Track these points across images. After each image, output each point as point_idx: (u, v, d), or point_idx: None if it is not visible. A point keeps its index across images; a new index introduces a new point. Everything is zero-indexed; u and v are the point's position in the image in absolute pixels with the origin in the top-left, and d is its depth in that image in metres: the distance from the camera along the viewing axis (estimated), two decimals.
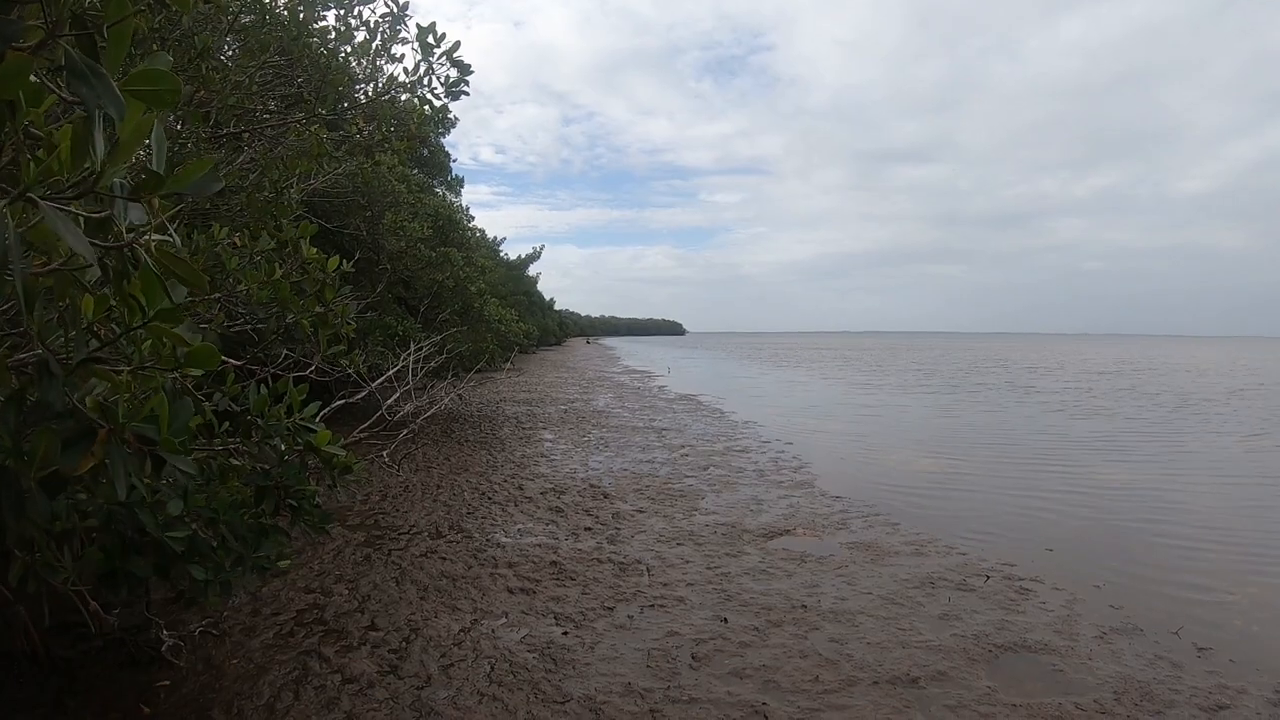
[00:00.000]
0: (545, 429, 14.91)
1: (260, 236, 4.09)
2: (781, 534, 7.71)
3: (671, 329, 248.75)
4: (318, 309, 3.98)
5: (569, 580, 6.03)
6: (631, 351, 69.77)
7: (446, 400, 8.72)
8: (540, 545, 6.97)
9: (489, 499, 8.77)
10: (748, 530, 7.73)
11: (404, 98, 6.54)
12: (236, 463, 3.33)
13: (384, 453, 7.76)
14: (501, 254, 46.39)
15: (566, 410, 18.35)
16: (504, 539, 7.19)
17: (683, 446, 13.06)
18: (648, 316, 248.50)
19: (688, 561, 6.62)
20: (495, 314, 15.64)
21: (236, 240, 4.12)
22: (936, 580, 6.29)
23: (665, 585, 5.98)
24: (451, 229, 14.29)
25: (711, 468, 11.17)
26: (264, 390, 3.17)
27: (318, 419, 3.41)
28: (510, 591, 5.75)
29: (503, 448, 12.46)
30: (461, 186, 23.64)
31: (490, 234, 45.22)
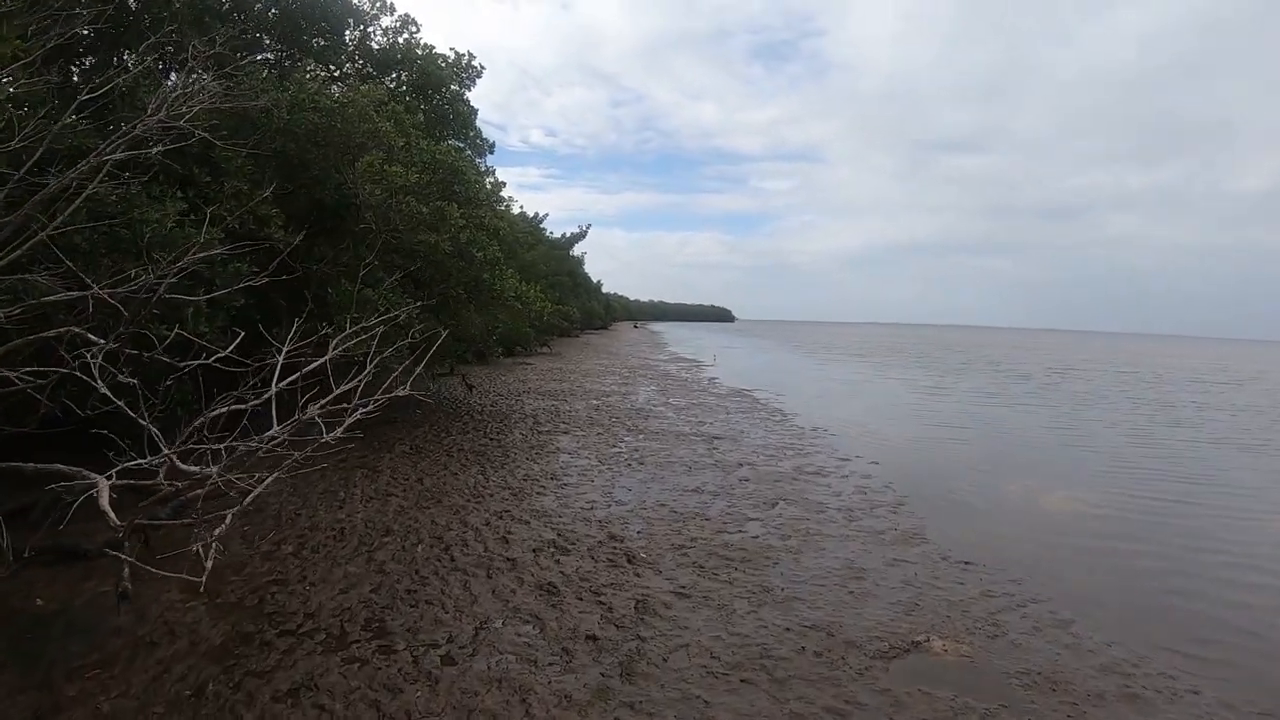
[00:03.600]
0: (567, 434, 11.94)
1: None
2: (908, 650, 4.65)
3: (720, 315, 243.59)
4: None
5: None
6: (680, 338, 66.58)
7: (329, 437, 5.55)
8: (500, 680, 3.98)
9: (451, 561, 5.81)
10: (854, 643, 4.67)
11: None
12: None
13: (206, 530, 4.83)
14: (545, 232, 43.75)
15: (599, 407, 15.38)
16: (441, 662, 4.23)
17: (740, 465, 9.99)
18: (696, 302, 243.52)
19: None
20: (512, 289, 12.73)
21: None
22: None
23: None
24: (456, 181, 11.39)
25: (780, 502, 8.11)
26: None
27: None
28: None
29: (504, 462, 9.54)
30: (491, 150, 20.66)
31: (536, 213, 42.65)
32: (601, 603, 5.04)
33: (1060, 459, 12.06)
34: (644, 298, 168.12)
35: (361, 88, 9.91)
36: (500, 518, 6.96)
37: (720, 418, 14.72)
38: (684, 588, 5.40)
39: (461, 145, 19.28)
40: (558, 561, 5.80)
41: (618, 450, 10.64)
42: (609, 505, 7.61)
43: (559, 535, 6.48)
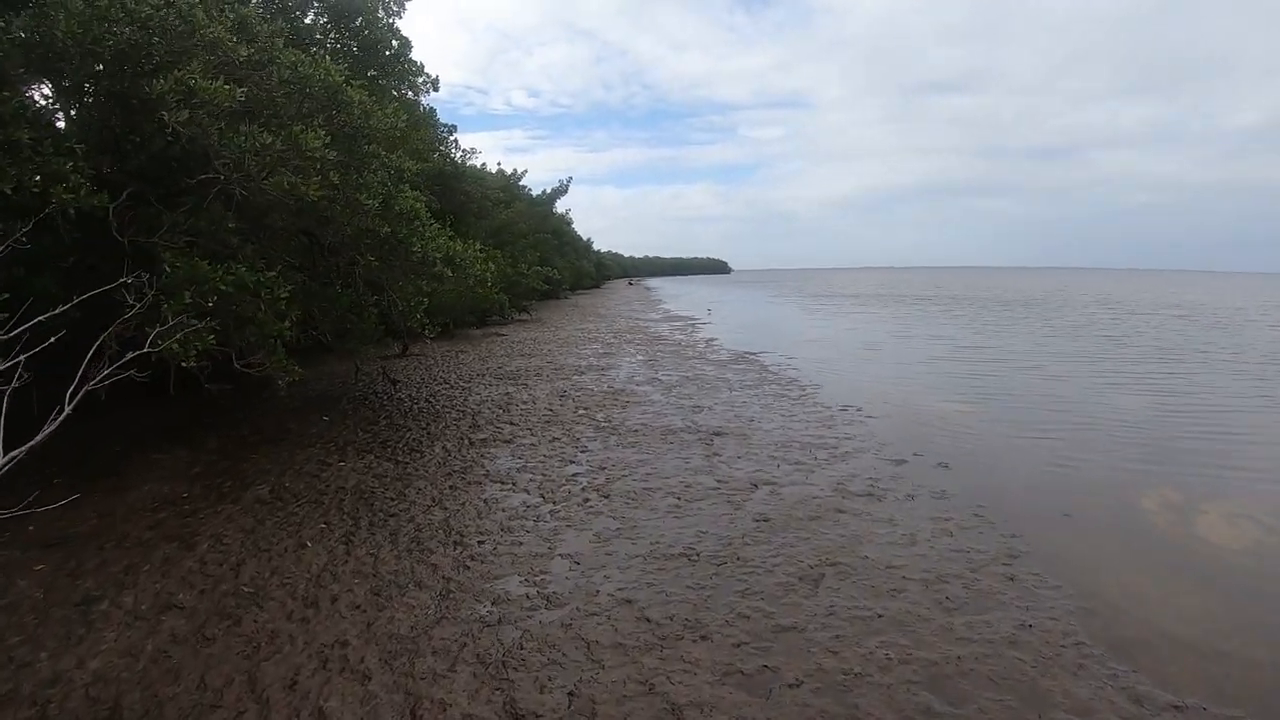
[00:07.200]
0: (509, 442, 8.70)
1: None
2: None
3: (717, 268, 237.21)
4: None
5: None
6: (675, 293, 62.96)
7: None
8: None
9: None
10: None
11: None
12: None
13: None
14: (524, 190, 40.05)
15: (565, 392, 12.15)
16: None
17: (754, 487, 6.83)
18: (692, 255, 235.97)
19: None
20: (440, 250, 9.45)
21: None
22: None
23: None
24: (336, 107, 8.03)
25: (827, 574, 4.96)
26: None
27: None
28: None
29: (394, 511, 6.31)
30: (433, 89, 17.52)
31: (514, 169, 38.91)
32: None
33: (1194, 449, 8.77)
34: (638, 254, 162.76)
35: None
36: (324, 662, 3.77)
37: (721, 397, 11.53)
38: None
39: (396, 85, 16.02)
40: None
41: (575, 470, 7.44)
42: (533, 609, 4.41)
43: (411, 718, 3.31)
